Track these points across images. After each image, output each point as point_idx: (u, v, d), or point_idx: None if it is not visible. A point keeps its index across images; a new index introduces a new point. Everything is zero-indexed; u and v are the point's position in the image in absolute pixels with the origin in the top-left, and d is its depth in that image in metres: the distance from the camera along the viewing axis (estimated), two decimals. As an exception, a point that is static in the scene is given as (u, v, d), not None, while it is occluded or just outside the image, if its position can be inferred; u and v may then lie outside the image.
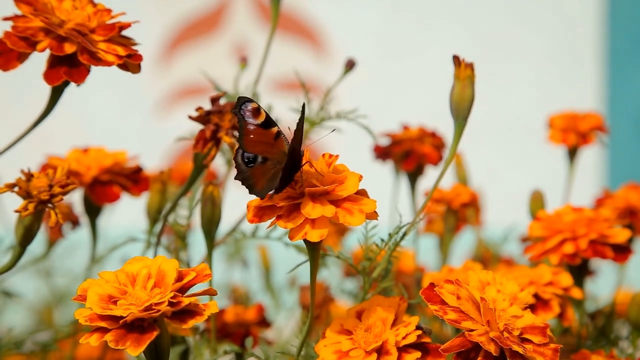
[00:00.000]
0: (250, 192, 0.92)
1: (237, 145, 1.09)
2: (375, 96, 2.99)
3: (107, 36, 1.03)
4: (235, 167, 0.93)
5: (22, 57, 1.02)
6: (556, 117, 1.52)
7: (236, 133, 1.10)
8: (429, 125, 1.47)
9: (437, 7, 3.03)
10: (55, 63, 1.02)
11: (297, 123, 0.91)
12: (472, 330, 0.90)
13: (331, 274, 1.68)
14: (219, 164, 1.40)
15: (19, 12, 1.02)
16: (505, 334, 0.90)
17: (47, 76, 1.02)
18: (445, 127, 1.32)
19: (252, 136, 0.93)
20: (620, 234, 1.19)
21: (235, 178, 0.93)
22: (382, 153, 1.45)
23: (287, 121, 1.00)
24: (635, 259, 1.34)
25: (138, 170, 1.31)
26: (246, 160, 0.93)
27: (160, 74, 3.01)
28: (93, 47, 1.02)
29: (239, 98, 0.93)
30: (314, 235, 0.88)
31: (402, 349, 0.95)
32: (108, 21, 1.04)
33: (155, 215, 1.25)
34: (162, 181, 1.25)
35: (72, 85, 1.03)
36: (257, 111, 0.93)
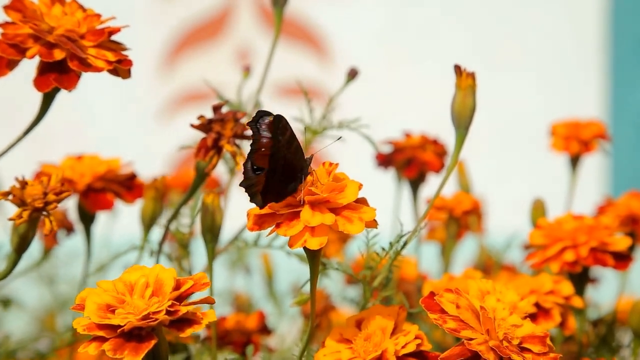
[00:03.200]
0: (252, 200, 0.92)
1: (239, 153, 1.10)
2: (378, 103, 2.99)
3: (97, 42, 1.03)
4: (243, 173, 0.94)
5: (11, 64, 1.02)
6: (558, 124, 1.52)
7: (238, 141, 1.10)
8: (431, 132, 1.47)
9: (440, 14, 3.03)
10: (45, 70, 1.02)
11: (282, 132, 0.91)
12: (471, 339, 0.90)
13: (333, 282, 1.68)
14: (221, 171, 1.40)
15: (8, 19, 1.02)
16: (505, 343, 0.90)
17: (37, 83, 1.02)
18: (447, 134, 1.33)
19: (263, 149, 0.93)
20: (621, 242, 1.19)
21: (240, 184, 0.93)
22: (384, 161, 1.45)
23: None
24: (638, 266, 1.34)
25: (132, 177, 1.31)
26: (254, 167, 0.93)
27: (164, 80, 3.01)
28: (83, 53, 1.01)
29: (258, 112, 0.93)
30: (314, 243, 0.89)
31: (402, 358, 0.95)
32: (97, 26, 1.04)
33: (149, 222, 1.24)
34: (156, 188, 1.24)
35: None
36: (272, 125, 0.93)
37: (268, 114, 0.93)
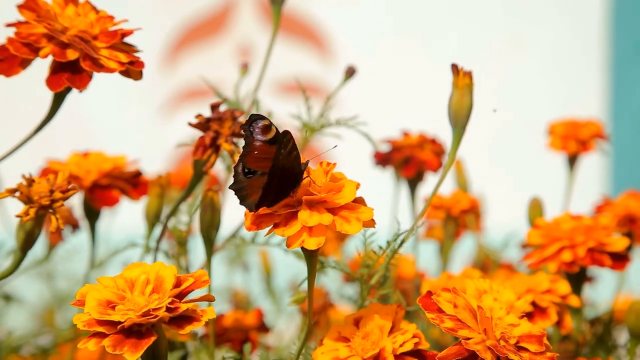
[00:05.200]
0: (241, 203, 0.93)
1: (237, 152, 1.10)
2: (378, 100, 2.99)
3: (110, 43, 1.04)
4: (233, 176, 0.94)
5: (24, 63, 1.03)
6: (556, 124, 1.53)
7: (235, 140, 1.11)
8: (429, 131, 1.48)
9: (442, 12, 3.03)
10: (58, 69, 1.02)
11: (285, 145, 0.91)
12: (468, 339, 0.90)
13: (331, 280, 1.68)
14: (220, 169, 1.40)
15: (22, 19, 1.03)
16: (502, 343, 0.90)
17: (50, 82, 1.02)
18: (446, 133, 1.33)
19: (256, 152, 0.93)
20: (618, 242, 1.19)
21: (230, 187, 0.93)
22: (382, 159, 1.46)
23: (289, 125, 1.00)
24: (636, 265, 1.34)
25: (137, 174, 1.32)
26: (246, 171, 0.94)
27: (165, 76, 3.02)
28: (95, 53, 1.02)
29: (251, 116, 0.93)
30: (311, 243, 0.89)
31: (399, 357, 0.96)
32: (110, 28, 1.05)
33: (153, 219, 1.25)
34: (160, 185, 1.25)
35: (75, 91, 1.04)
36: (267, 128, 0.93)
37: (262, 117, 0.93)
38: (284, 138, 0.91)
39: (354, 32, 3.03)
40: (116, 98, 2.97)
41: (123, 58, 1.04)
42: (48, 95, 1.07)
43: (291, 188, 0.91)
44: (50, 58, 1.02)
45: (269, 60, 1.29)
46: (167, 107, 3.02)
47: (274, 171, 0.90)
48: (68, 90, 1.05)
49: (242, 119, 1.11)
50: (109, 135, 2.99)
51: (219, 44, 3.03)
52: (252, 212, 0.92)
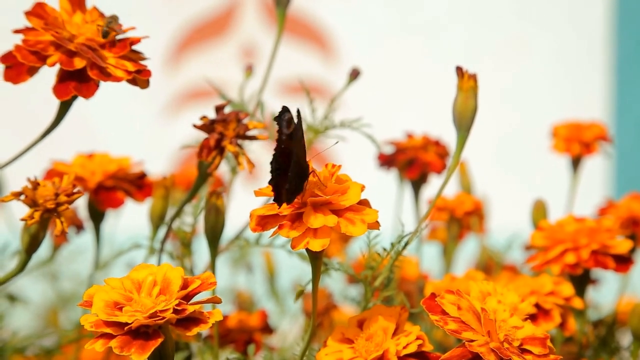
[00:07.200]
0: (274, 200, 0.93)
1: (242, 153, 1.11)
2: (382, 101, 2.99)
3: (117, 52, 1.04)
4: (270, 172, 0.94)
5: (32, 71, 1.02)
6: (560, 126, 1.52)
7: (240, 142, 1.11)
8: (433, 133, 1.48)
9: (445, 13, 3.03)
10: (65, 77, 1.02)
11: (287, 125, 0.91)
12: (472, 341, 0.90)
13: (335, 281, 1.68)
14: (225, 170, 1.40)
15: (29, 25, 1.03)
16: (506, 345, 0.91)
17: (57, 90, 1.02)
18: (451, 134, 1.33)
19: (283, 146, 0.93)
20: (622, 245, 1.20)
21: (269, 183, 0.93)
22: (386, 161, 1.46)
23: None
24: (639, 267, 1.34)
25: (142, 175, 1.32)
26: (276, 167, 0.94)
27: (169, 77, 3.02)
28: (103, 62, 1.02)
29: (283, 108, 0.93)
30: (316, 245, 0.89)
31: (403, 358, 0.96)
32: (117, 36, 1.05)
33: (158, 220, 1.26)
34: (165, 187, 1.25)
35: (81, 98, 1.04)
36: (290, 122, 0.93)
37: (288, 110, 0.93)
38: (284, 116, 0.91)
39: (357, 33, 3.04)
40: (120, 99, 2.97)
41: (130, 67, 1.03)
42: (54, 98, 1.07)
43: (304, 180, 0.92)
44: (57, 66, 1.02)
45: (274, 61, 1.29)
46: (171, 108, 3.03)
47: (292, 156, 0.91)
48: (74, 98, 1.04)
49: (247, 121, 1.11)
50: (113, 136, 2.99)
51: (223, 45, 3.04)
52: (264, 210, 0.92)
